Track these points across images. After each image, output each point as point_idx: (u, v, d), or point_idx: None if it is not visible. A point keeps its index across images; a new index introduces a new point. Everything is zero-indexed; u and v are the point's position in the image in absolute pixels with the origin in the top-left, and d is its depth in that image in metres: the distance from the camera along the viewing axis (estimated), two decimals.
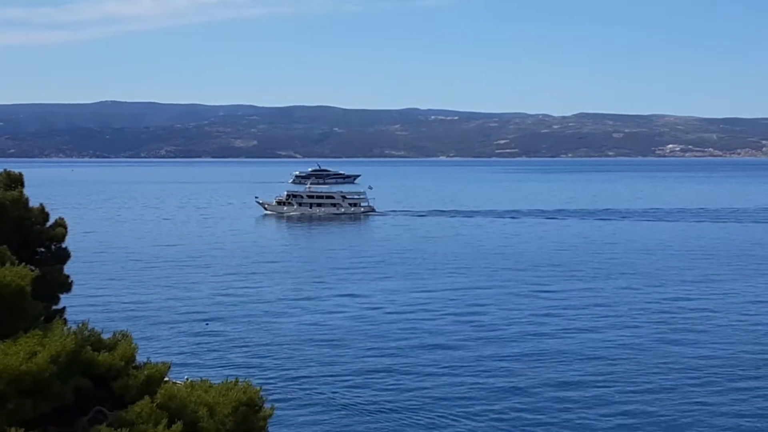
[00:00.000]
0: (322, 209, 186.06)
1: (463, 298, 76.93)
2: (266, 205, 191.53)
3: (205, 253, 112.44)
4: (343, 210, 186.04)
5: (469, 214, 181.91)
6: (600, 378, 50.35)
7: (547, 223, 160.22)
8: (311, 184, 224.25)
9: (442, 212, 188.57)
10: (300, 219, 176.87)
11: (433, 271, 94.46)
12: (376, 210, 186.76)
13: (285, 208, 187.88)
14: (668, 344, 59.20)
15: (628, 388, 48.21)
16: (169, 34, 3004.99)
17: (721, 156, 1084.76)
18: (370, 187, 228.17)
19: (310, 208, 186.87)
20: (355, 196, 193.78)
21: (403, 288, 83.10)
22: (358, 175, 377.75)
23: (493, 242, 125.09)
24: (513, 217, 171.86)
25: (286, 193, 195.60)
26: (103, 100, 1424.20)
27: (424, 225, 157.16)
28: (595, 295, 78.75)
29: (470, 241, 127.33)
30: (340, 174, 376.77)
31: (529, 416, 43.32)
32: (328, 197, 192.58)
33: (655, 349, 57.58)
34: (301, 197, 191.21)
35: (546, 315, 69.34)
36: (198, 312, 70.71)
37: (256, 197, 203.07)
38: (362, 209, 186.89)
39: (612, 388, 48.17)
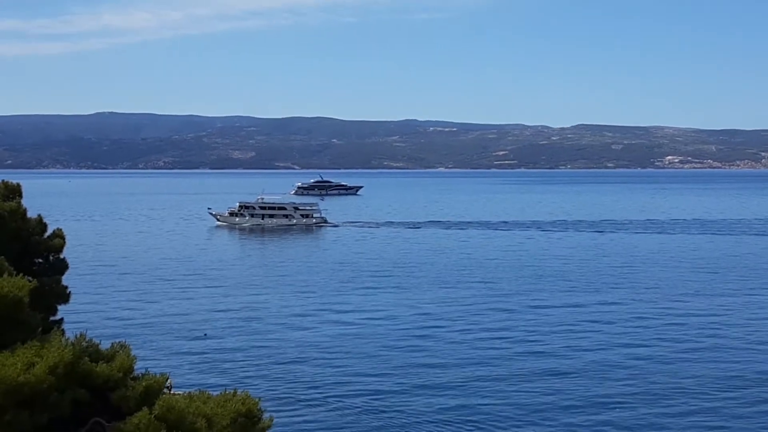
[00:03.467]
0: (274, 220, 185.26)
1: (442, 310, 76.85)
2: (218, 216, 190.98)
3: (201, 265, 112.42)
4: (295, 221, 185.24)
5: (463, 225, 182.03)
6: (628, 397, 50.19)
7: (504, 234, 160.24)
8: (312, 195, 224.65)
9: (393, 224, 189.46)
10: (252, 230, 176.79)
11: (420, 282, 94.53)
12: (328, 221, 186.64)
13: (237, 219, 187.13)
14: (674, 359, 59.09)
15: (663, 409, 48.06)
16: (166, 46, 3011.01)
17: (720, 167, 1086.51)
18: (322, 199, 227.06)
19: (262, 219, 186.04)
20: (308, 208, 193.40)
21: (398, 298, 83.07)
22: (361, 187, 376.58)
23: (480, 253, 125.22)
24: (502, 229, 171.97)
25: (238, 204, 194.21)
26: (101, 111, 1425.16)
27: (379, 236, 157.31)
28: (583, 310, 78.66)
29: (463, 252, 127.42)
30: (343, 185, 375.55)
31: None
32: (280, 208, 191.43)
33: (667, 364, 57.46)
34: (254, 208, 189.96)
35: (516, 326, 69.32)
36: (196, 323, 70.63)
37: (209, 208, 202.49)
38: (314, 221, 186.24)
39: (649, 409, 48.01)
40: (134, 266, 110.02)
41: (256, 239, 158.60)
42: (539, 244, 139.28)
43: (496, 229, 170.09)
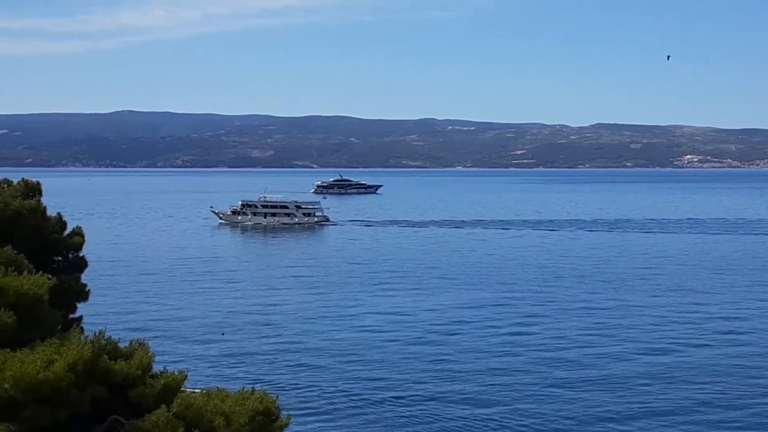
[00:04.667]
0: (276, 219, 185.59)
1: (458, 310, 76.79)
2: (221, 215, 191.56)
3: (214, 264, 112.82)
4: (297, 220, 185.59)
5: (493, 224, 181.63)
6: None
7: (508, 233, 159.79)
8: (332, 194, 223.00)
9: (397, 222, 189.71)
10: (255, 228, 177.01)
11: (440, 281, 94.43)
12: (331, 220, 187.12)
13: (239, 217, 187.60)
14: (695, 363, 58.83)
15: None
16: (184, 45, 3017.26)
17: (739, 167, 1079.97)
18: (324, 197, 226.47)
19: (264, 217, 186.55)
20: (309, 206, 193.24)
21: (413, 298, 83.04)
22: (381, 185, 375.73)
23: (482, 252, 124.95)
24: (505, 228, 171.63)
25: (240, 202, 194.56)
26: (120, 110, 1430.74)
27: (384, 236, 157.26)
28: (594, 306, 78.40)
29: (486, 252, 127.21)
30: (362, 184, 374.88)
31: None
32: (282, 207, 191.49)
33: (688, 369, 57.22)
34: (256, 207, 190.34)
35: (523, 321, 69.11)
36: (213, 321, 70.84)
37: (211, 206, 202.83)
38: (316, 219, 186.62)
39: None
40: (151, 265, 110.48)
41: (262, 238, 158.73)
42: (557, 244, 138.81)
43: (516, 228, 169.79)
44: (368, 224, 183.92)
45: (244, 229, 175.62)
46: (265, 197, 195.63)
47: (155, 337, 59.44)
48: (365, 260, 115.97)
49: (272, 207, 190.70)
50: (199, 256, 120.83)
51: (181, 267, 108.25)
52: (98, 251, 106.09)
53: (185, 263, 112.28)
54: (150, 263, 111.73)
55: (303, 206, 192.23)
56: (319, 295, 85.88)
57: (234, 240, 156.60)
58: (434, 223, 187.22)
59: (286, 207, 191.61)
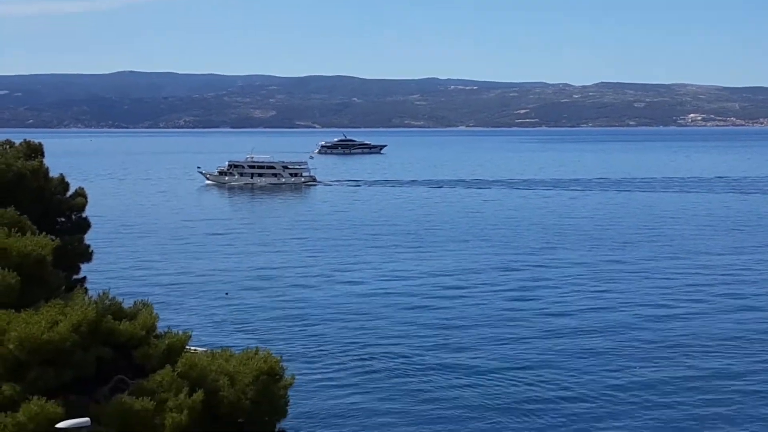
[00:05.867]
0: (263, 179, 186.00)
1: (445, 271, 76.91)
2: (208, 175, 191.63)
3: (214, 224, 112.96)
4: (284, 180, 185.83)
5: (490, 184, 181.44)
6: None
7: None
8: (336, 154, 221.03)
9: (378, 182, 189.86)
10: (242, 189, 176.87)
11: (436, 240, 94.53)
12: (317, 180, 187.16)
13: (226, 177, 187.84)
14: (696, 317, 59.00)
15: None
16: (186, 4, 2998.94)
17: (743, 125, 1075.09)
18: (311, 157, 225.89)
19: (251, 178, 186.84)
20: (296, 167, 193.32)
21: (415, 258, 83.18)
22: (385, 145, 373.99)
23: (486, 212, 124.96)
24: (508, 187, 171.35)
25: (227, 163, 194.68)
26: (121, 70, 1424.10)
27: (368, 195, 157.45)
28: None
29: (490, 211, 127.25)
30: (366, 144, 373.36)
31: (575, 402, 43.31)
32: (269, 167, 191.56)
33: (688, 321, 57.39)
34: (243, 167, 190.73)
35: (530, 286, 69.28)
36: (216, 282, 70.98)
37: (198, 167, 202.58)
38: (303, 179, 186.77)
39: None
40: (150, 225, 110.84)
41: (252, 198, 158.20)
42: (561, 204, 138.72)
43: (518, 188, 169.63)
44: (356, 184, 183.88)
45: (231, 190, 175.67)
46: (252, 157, 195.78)
47: (159, 297, 59.59)
48: (359, 220, 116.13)
49: (259, 167, 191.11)
50: (197, 217, 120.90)
51: (180, 228, 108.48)
52: (101, 212, 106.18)
53: (184, 224, 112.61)
54: (149, 224, 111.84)
55: (290, 166, 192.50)
56: (318, 255, 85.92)
57: (224, 201, 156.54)
58: (438, 182, 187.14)
59: (272, 167, 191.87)
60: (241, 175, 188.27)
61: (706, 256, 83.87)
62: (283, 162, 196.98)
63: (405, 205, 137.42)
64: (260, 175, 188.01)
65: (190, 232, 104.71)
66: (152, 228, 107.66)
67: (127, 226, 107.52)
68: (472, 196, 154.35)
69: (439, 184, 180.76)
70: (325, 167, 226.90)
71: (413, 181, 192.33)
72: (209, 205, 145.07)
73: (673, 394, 42.00)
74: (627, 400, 41.24)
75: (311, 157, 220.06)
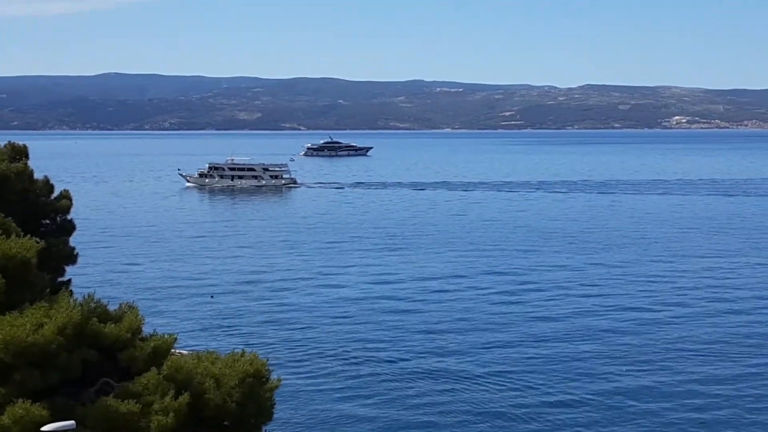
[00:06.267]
0: (244, 181, 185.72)
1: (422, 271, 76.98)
2: (188, 178, 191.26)
3: (198, 227, 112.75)
4: (264, 182, 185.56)
5: (468, 186, 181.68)
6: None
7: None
8: (322, 156, 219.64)
9: (360, 184, 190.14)
10: (222, 191, 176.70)
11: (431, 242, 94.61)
12: (298, 182, 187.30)
13: (207, 180, 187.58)
14: (681, 321, 59.19)
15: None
16: (171, 5, 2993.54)
17: (727, 128, 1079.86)
18: (292, 159, 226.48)
19: (232, 180, 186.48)
20: (277, 169, 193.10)
21: (400, 260, 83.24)
22: (371, 147, 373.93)
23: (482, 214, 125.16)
24: (493, 190, 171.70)
25: (207, 165, 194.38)
26: (106, 72, 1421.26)
27: (350, 198, 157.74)
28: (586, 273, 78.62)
29: (475, 212, 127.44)
30: (352, 146, 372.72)
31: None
32: (249, 169, 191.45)
33: (672, 326, 57.57)
34: (223, 169, 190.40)
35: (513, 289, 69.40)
36: (201, 284, 70.89)
37: (178, 169, 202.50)
38: (283, 181, 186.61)
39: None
40: (133, 228, 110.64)
41: (233, 201, 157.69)
42: (546, 205, 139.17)
43: (503, 191, 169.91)
44: (339, 186, 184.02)
45: (212, 192, 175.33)
46: (232, 160, 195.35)
47: (144, 300, 59.45)
48: (344, 223, 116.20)
49: (239, 169, 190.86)
50: (180, 220, 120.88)
51: (162, 230, 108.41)
52: (86, 214, 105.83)
53: (166, 227, 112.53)
54: (132, 227, 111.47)
55: (270, 168, 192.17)
56: (303, 258, 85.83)
57: (206, 203, 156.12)
58: (423, 184, 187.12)
59: (253, 169, 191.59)
60: (222, 177, 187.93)
61: (692, 258, 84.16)
62: (264, 164, 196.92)
63: (390, 208, 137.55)
64: (240, 177, 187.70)
65: (172, 234, 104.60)
66: (134, 231, 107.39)
67: (109, 229, 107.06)
68: (456, 198, 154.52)
69: (423, 186, 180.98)
70: (311, 169, 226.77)
71: (398, 183, 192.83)
72: (190, 207, 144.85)
73: (660, 400, 41.96)
74: (614, 405, 41.16)
75: (292, 159, 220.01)
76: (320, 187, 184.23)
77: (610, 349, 50.66)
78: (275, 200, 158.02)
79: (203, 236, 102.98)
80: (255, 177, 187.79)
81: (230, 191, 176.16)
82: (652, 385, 43.98)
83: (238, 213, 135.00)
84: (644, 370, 46.47)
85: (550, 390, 43.11)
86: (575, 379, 44.97)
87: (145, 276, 75.10)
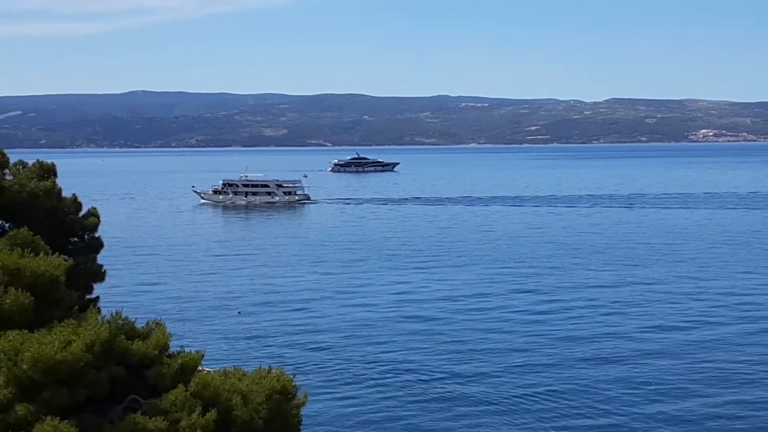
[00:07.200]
0: (258, 198, 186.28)
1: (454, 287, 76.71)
2: (202, 194, 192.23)
3: (223, 244, 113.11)
4: (278, 198, 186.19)
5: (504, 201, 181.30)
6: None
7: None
8: (349, 172, 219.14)
9: (372, 200, 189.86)
10: (236, 207, 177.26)
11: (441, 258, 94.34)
12: (311, 198, 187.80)
13: (221, 197, 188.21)
14: (708, 341, 58.59)
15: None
16: (197, 24, 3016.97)
17: (755, 140, 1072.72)
18: (305, 176, 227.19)
19: (246, 196, 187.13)
20: (290, 185, 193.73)
21: (427, 276, 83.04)
22: (397, 163, 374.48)
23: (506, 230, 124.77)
24: (519, 205, 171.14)
25: (221, 181, 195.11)
26: (134, 90, 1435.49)
27: (367, 213, 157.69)
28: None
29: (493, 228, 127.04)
30: (379, 162, 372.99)
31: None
32: (263, 186, 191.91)
33: (702, 347, 56.99)
34: (237, 186, 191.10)
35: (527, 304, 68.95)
36: (229, 300, 71.02)
37: (193, 186, 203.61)
38: (297, 198, 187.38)
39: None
40: (157, 245, 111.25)
41: (248, 217, 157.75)
42: (574, 220, 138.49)
43: (527, 205, 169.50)
44: (350, 203, 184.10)
45: (226, 208, 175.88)
46: (246, 176, 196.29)
47: (171, 316, 59.65)
48: (367, 238, 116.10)
49: (253, 186, 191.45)
50: (201, 237, 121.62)
51: (184, 247, 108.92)
52: (113, 232, 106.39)
53: (188, 244, 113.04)
54: (155, 244, 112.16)
55: (284, 185, 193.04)
56: (328, 274, 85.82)
57: (223, 220, 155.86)
58: (448, 200, 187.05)
59: (267, 186, 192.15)
60: (236, 193, 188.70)
61: (723, 275, 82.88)
62: (277, 180, 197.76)
63: (415, 223, 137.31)
64: (254, 193, 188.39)
65: (194, 251, 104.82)
66: (157, 248, 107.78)
67: (133, 246, 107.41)
68: (483, 213, 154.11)
69: (453, 201, 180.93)
70: (337, 185, 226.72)
71: (428, 197, 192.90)
72: (208, 224, 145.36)
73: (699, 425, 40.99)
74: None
75: (305, 176, 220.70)
76: (340, 203, 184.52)
77: (647, 372, 48.92)
78: (293, 216, 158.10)
79: (225, 253, 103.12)
80: (269, 193, 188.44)
81: (244, 208, 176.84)
82: (687, 413, 42.58)
83: (256, 229, 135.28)
84: (681, 396, 45.14)
85: (585, 412, 42.38)
86: (606, 401, 43.85)
87: (169, 293, 75.30)
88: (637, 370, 49.34)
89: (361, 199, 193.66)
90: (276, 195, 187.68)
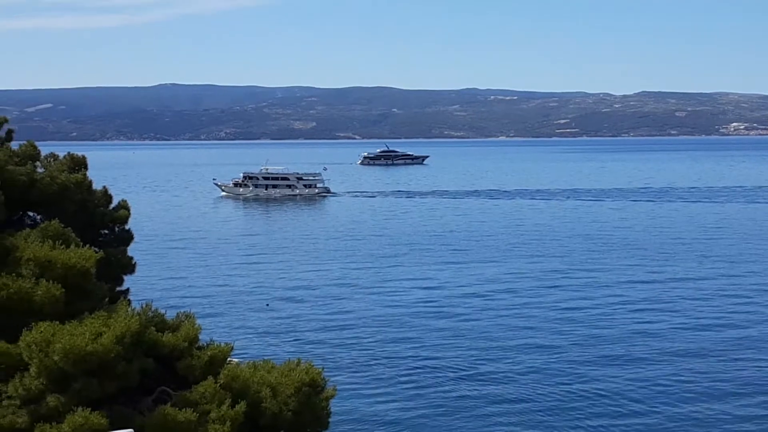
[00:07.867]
0: (278, 191, 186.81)
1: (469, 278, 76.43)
2: (223, 187, 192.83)
3: (251, 237, 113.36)
4: (298, 191, 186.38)
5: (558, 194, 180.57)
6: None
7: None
8: (379, 165, 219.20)
9: (399, 193, 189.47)
10: (257, 200, 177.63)
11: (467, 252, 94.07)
12: (332, 191, 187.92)
13: (241, 189, 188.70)
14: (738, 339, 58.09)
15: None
16: (226, 17, 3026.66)
17: None
18: (325, 168, 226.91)
19: (266, 189, 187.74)
20: (311, 178, 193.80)
21: (456, 270, 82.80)
22: (427, 156, 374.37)
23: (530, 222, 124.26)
24: (548, 198, 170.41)
25: (242, 174, 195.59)
26: (163, 83, 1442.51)
27: (384, 206, 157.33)
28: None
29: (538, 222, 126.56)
30: (409, 155, 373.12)
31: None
32: (283, 179, 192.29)
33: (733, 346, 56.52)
34: (257, 179, 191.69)
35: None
36: (257, 293, 71.16)
37: (213, 179, 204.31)
38: (317, 190, 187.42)
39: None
40: (184, 237, 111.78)
41: (269, 210, 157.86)
42: (604, 214, 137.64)
43: (556, 198, 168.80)
44: (376, 195, 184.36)
45: (246, 201, 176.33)
46: (266, 169, 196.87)
47: (200, 308, 59.85)
48: (395, 230, 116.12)
49: (273, 179, 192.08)
50: (228, 229, 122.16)
51: (212, 239, 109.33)
52: (141, 223, 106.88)
53: (215, 235, 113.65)
54: (182, 236, 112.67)
55: (304, 177, 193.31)
56: (355, 266, 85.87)
57: (246, 212, 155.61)
58: (477, 193, 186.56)
59: (287, 178, 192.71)
60: (256, 186, 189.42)
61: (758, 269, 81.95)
62: (298, 173, 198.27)
63: (444, 216, 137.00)
64: (275, 186, 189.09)
65: (221, 243, 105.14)
66: (185, 240, 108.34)
67: (161, 237, 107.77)
68: (512, 206, 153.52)
69: (488, 195, 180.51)
70: (367, 179, 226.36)
71: (476, 191, 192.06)
72: (230, 217, 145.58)
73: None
74: None
75: (325, 169, 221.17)
76: (362, 196, 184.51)
77: (674, 373, 47.98)
78: (315, 209, 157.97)
79: (250, 245, 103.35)
80: (289, 186, 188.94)
81: (264, 200, 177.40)
82: (719, 415, 41.84)
83: (278, 222, 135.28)
84: (712, 398, 44.31)
85: (617, 413, 41.74)
86: (636, 402, 42.91)
87: (197, 285, 75.54)
88: (668, 368, 48.42)
89: (385, 192, 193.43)
90: (296, 188, 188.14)
